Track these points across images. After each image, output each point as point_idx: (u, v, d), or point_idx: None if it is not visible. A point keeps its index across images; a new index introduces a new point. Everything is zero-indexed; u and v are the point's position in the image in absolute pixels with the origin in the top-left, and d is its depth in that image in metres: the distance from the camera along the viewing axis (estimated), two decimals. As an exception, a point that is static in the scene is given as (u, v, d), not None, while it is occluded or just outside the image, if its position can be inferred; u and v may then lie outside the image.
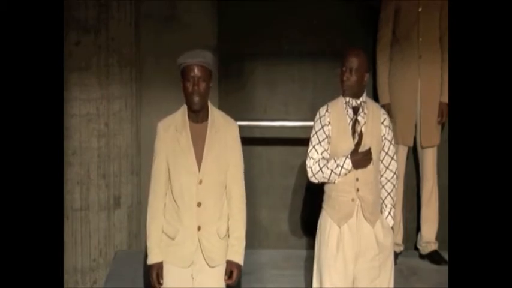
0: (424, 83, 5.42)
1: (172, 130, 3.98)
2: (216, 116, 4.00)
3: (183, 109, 4.00)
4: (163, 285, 4.02)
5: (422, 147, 5.52)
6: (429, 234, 5.54)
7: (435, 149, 5.52)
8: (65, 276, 5.39)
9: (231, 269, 4.01)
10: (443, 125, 5.55)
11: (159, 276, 4.01)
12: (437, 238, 5.55)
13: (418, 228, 5.63)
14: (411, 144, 5.48)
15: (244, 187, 4.06)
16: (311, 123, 5.54)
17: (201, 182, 3.95)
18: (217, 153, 3.96)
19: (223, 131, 3.98)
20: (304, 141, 5.81)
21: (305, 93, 5.93)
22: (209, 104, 4.00)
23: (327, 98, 5.64)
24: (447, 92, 5.27)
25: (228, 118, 4.08)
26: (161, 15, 5.67)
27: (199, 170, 3.94)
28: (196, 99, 3.89)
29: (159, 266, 4.01)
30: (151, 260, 4.02)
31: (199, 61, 3.89)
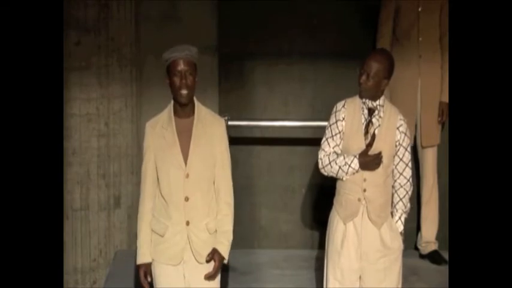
0: (424, 82, 5.43)
1: (158, 127, 3.99)
2: (202, 111, 4.01)
3: (169, 106, 4.02)
4: (157, 286, 4.01)
5: (423, 147, 5.52)
6: (429, 234, 5.54)
7: (435, 148, 5.52)
8: (65, 276, 5.38)
9: (213, 257, 3.95)
10: (443, 125, 5.55)
11: (147, 276, 3.99)
12: (437, 238, 5.55)
13: (418, 228, 5.63)
14: (411, 143, 5.47)
15: (231, 182, 4.05)
16: (311, 123, 5.57)
17: (187, 176, 3.94)
18: (204, 147, 3.96)
19: (210, 126, 3.98)
20: (304, 141, 5.84)
21: (305, 93, 5.92)
22: (195, 99, 4.00)
23: (327, 97, 5.66)
24: (447, 91, 5.27)
25: (215, 115, 4.09)
26: (161, 15, 5.66)
27: (185, 164, 3.94)
28: (184, 92, 3.90)
29: (147, 266, 4.00)
30: (139, 259, 4.01)
31: (186, 55, 3.89)
